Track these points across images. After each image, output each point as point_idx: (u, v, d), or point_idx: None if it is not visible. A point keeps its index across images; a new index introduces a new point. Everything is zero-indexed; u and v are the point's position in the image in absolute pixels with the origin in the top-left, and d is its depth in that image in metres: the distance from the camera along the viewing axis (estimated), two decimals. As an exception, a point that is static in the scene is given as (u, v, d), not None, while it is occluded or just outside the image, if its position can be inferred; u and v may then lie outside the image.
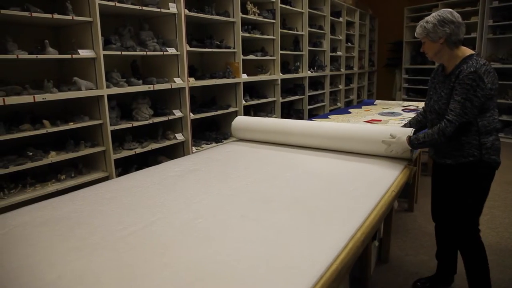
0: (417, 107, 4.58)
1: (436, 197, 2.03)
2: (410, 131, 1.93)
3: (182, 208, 1.41)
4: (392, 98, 7.39)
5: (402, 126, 2.14)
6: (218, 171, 1.90)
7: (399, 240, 2.72)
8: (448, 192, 1.87)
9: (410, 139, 1.85)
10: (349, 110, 4.37)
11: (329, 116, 3.84)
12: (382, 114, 3.97)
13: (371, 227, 1.28)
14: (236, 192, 1.57)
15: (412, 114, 3.98)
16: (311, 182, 1.69)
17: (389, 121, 3.45)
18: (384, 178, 1.73)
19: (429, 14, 1.73)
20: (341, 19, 6.00)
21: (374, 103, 5.00)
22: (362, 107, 4.66)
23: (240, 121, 2.64)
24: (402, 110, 4.26)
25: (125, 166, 2.84)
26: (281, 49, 4.39)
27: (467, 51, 1.70)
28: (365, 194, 1.53)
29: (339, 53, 6.12)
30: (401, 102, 5.15)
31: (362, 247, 1.19)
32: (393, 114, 3.97)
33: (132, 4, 2.68)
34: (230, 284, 0.92)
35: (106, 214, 1.37)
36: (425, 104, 1.95)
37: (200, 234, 1.19)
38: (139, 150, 2.80)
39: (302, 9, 4.82)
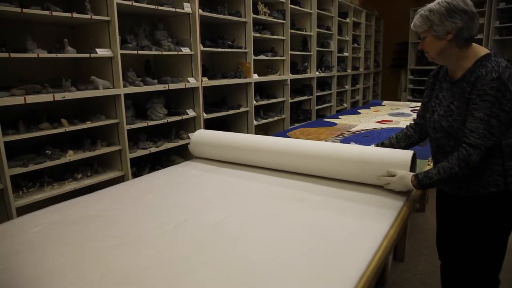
0: (425, 108, 4.59)
1: (443, 234, 1.60)
2: (409, 160, 1.49)
3: (210, 207, 1.42)
4: (397, 98, 7.40)
5: (385, 141, 1.73)
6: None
7: (413, 240, 2.73)
8: (459, 232, 1.43)
9: (417, 180, 1.38)
10: (358, 110, 4.38)
11: (339, 117, 3.85)
12: (391, 114, 3.98)
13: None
14: (264, 192, 1.57)
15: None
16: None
17: (400, 122, 3.46)
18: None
19: None
20: (347, 20, 6.01)
21: (382, 104, 5.02)
22: (371, 107, 4.67)
23: (203, 135, 2.23)
24: (411, 110, 4.28)
25: (139, 166, 2.84)
26: (290, 50, 4.39)
27: (480, 49, 1.31)
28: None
29: (345, 54, 6.12)
30: (408, 103, 5.17)
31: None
32: (402, 114, 3.98)
33: (147, 3, 2.69)
34: (271, 282, 0.92)
35: (136, 213, 1.37)
36: (420, 117, 1.60)
37: (233, 232, 1.20)
38: (153, 150, 2.80)
39: (311, 9, 4.83)
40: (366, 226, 1.24)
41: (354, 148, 1.69)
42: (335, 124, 3.38)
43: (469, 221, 1.38)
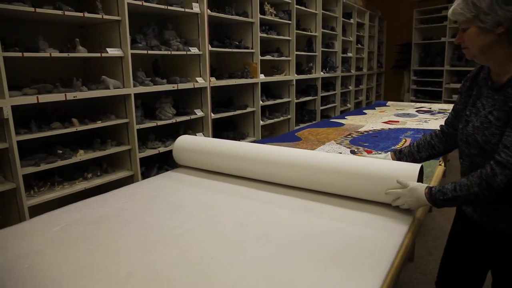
0: (430, 108, 4.60)
1: (454, 266, 1.32)
2: (416, 175, 1.29)
3: (230, 206, 1.42)
4: (400, 99, 7.41)
5: (404, 148, 1.51)
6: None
7: (421, 240, 2.73)
8: (484, 270, 1.25)
9: (431, 193, 1.16)
10: (364, 111, 4.39)
11: (346, 117, 3.86)
12: (397, 115, 3.99)
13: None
14: (274, 198, 1.57)
15: (427, 116, 4.00)
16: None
17: (407, 122, 3.46)
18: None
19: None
20: (351, 21, 6.02)
21: (387, 104, 5.02)
22: (376, 108, 4.68)
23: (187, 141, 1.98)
24: (416, 111, 4.28)
25: (147, 166, 2.85)
26: (295, 50, 4.40)
27: None
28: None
29: (349, 54, 6.13)
30: (412, 103, 5.18)
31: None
32: (408, 115, 3.98)
33: (157, 3, 2.69)
34: (300, 281, 0.93)
35: (155, 212, 1.37)
36: (449, 125, 1.35)
37: (256, 231, 1.20)
38: (162, 149, 2.81)
39: (316, 10, 4.84)
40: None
41: (351, 160, 1.51)
42: (342, 124, 3.39)
43: (505, 258, 1.13)
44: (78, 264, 1.02)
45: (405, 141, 2.63)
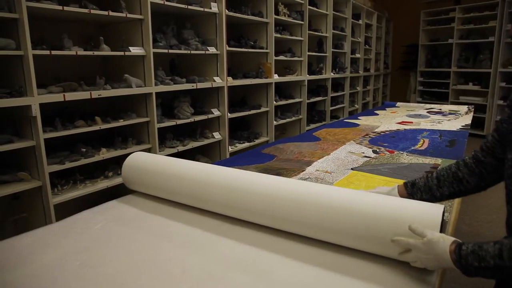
0: (440, 109, 4.61)
1: None
2: (438, 223, 0.89)
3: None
4: (406, 100, 7.43)
5: (419, 180, 1.12)
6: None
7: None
8: None
9: (460, 253, 0.79)
10: (375, 111, 4.39)
11: (359, 117, 3.86)
12: (410, 116, 4.00)
13: None
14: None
15: (439, 117, 4.02)
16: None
17: (421, 123, 3.47)
18: None
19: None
20: (360, 22, 6.03)
21: (396, 105, 5.04)
22: (386, 108, 4.68)
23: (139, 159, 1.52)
24: (427, 112, 4.29)
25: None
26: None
27: None
28: None
29: (357, 55, 6.15)
30: (422, 104, 5.20)
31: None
32: (420, 116, 3.99)
33: (177, 2, 2.69)
34: None
35: (191, 211, 1.37)
36: (488, 152, 1.01)
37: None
38: (181, 148, 2.81)
39: (327, 11, 4.85)
40: None
41: (343, 195, 1.06)
42: (357, 125, 3.39)
43: None
44: (130, 262, 1.02)
45: (423, 141, 2.63)
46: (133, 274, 0.96)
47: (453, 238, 0.84)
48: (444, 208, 0.94)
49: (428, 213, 0.93)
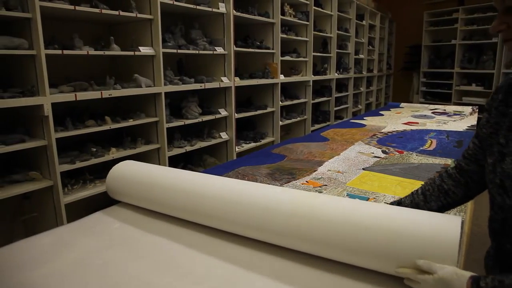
0: (444, 110, 4.62)
1: None
2: (457, 243, 0.79)
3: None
4: (409, 101, 7.43)
5: (404, 199, 1.04)
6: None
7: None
8: None
9: None
10: (380, 112, 4.40)
11: (364, 118, 3.87)
12: (415, 116, 4.00)
13: None
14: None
15: (444, 118, 4.02)
16: None
17: (427, 124, 3.48)
18: None
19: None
20: (364, 22, 6.04)
21: (401, 106, 5.04)
22: (391, 109, 4.69)
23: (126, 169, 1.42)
24: (432, 113, 4.30)
25: (171, 165, 2.85)
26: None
27: None
28: None
29: (361, 56, 6.16)
30: (426, 105, 5.20)
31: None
32: (425, 117, 4.00)
33: (185, 3, 2.70)
34: None
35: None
36: (470, 160, 0.94)
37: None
38: (189, 148, 2.81)
39: (331, 11, 4.86)
40: None
41: (345, 208, 0.96)
42: (363, 125, 3.40)
43: None
44: (153, 261, 1.02)
45: (431, 142, 2.64)
46: (159, 273, 0.97)
47: (468, 274, 0.74)
48: (462, 221, 0.82)
49: (441, 233, 0.81)
